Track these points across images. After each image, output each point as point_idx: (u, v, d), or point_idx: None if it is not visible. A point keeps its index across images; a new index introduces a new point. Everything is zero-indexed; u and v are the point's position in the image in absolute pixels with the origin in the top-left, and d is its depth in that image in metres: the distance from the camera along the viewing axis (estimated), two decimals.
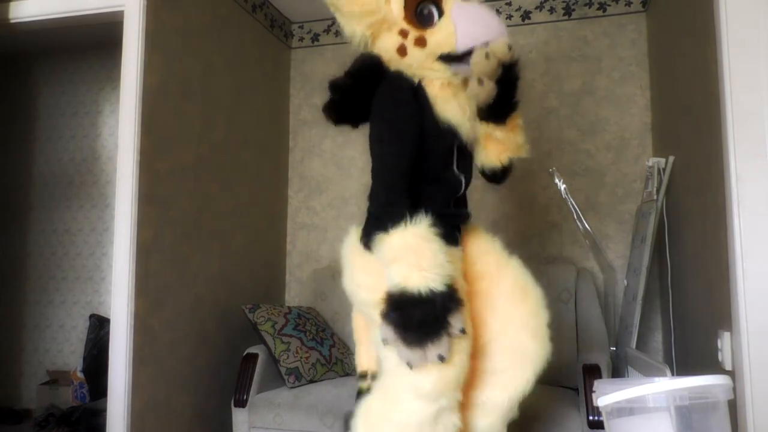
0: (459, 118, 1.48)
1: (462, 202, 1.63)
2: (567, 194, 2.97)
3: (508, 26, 3.17)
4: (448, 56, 1.46)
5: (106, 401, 2.21)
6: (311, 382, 2.51)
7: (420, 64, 1.48)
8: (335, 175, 3.39)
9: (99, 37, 3.64)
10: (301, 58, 3.53)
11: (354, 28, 1.49)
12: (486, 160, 1.63)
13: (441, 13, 1.46)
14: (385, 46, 1.50)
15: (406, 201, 1.38)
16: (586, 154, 3.02)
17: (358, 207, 3.33)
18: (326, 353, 2.62)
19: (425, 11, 1.45)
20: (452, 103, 1.48)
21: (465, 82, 1.52)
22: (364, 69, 1.52)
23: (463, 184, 1.57)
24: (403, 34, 1.47)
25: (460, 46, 1.44)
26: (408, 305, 1.28)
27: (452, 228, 1.52)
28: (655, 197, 2.47)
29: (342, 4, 1.45)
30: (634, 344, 2.40)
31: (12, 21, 2.48)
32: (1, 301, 3.90)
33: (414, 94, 1.47)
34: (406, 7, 1.46)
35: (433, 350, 1.27)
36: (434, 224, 1.34)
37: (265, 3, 3.23)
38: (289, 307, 2.74)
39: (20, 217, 3.93)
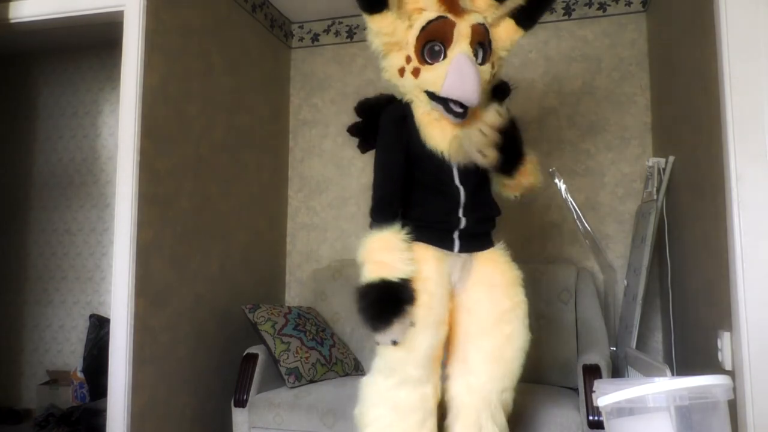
0: (439, 141, 1.64)
1: (473, 208, 1.70)
2: (567, 194, 2.97)
3: None
4: (432, 94, 1.61)
5: (106, 401, 2.21)
6: (311, 382, 2.51)
7: (410, 90, 1.67)
8: (335, 175, 3.39)
9: (99, 37, 3.64)
10: (301, 58, 3.53)
11: (372, 39, 1.68)
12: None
13: (445, 56, 1.60)
14: (391, 63, 1.69)
15: (390, 215, 1.62)
16: (586, 154, 3.02)
17: (358, 207, 3.33)
18: (326, 353, 2.62)
19: (436, 48, 1.60)
20: (434, 128, 1.65)
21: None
22: (368, 107, 1.80)
23: (463, 195, 1.68)
24: (407, 60, 1.64)
25: (443, 93, 1.57)
26: (367, 294, 1.53)
27: (447, 233, 1.68)
28: (655, 197, 2.47)
29: (366, 18, 1.63)
30: (634, 344, 2.40)
31: (12, 21, 2.48)
32: (1, 301, 3.90)
33: (403, 120, 1.67)
34: (417, 40, 1.61)
35: (385, 336, 1.53)
36: (413, 230, 1.60)
37: (265, 3, 3.24)
38: (289, 307, 2.74)
39: (20, 217, 3.93)
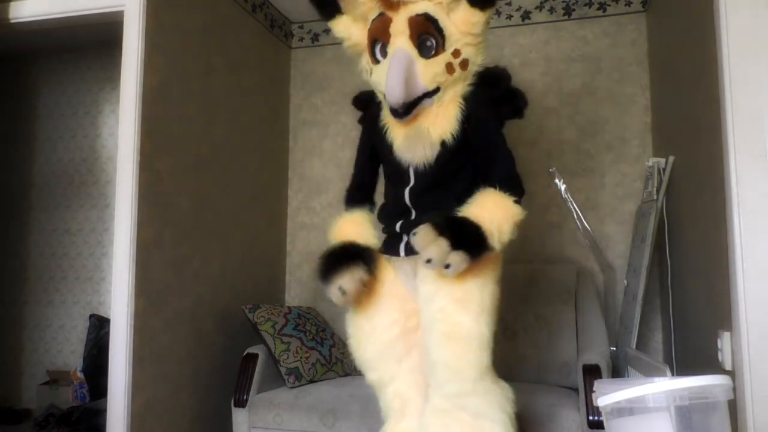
0: (397, 141, 1.59)
1: (421, 211, 1.60)
2: (567, 194, 2.97)
3: (509, 26, 3.18)
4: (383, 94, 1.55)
5: (106, 401, 2.21)
6: (311, 382, 2.51)
7: (374, 88, 1.66)
8: (335, 175, 3.39)
9: (99, 37, 3.64)
10: (301, 58, 3.53)
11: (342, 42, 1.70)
12: None
13: (385, 54, 1.55)
14: (361, 64, 1.68)
15: (350, 203, 1.77)
16: (586, 154, 3.02)
17: None
18: (326, 353, 2.62)
19: (379, 46, 1.57)
20: (393, 128, 1.61)
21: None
22: (363, 100, 1.82)
23: (408, 197, 1.61)
24: (366, 60, 1.63)
25: (387, 96, 1.50)
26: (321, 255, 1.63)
27: (395, 237, 1.65)
28: (655, 197, 2.47)
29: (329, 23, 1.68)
30: (634, 344, 2.40)
31: (12, 21, 2.48)
32: (1, 301, 3.90)
33: (372, 120, 1.68)
34: (367, 40, 1.60)
35: (328, 290, 1.56)
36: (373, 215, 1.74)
37: (265, 3, 3.23)
38: (289, 307, 2.74)
39: (20, 217, 3.93)
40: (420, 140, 1.55)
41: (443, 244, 1.38)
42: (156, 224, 2.34)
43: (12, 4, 2.47)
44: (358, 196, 1.77)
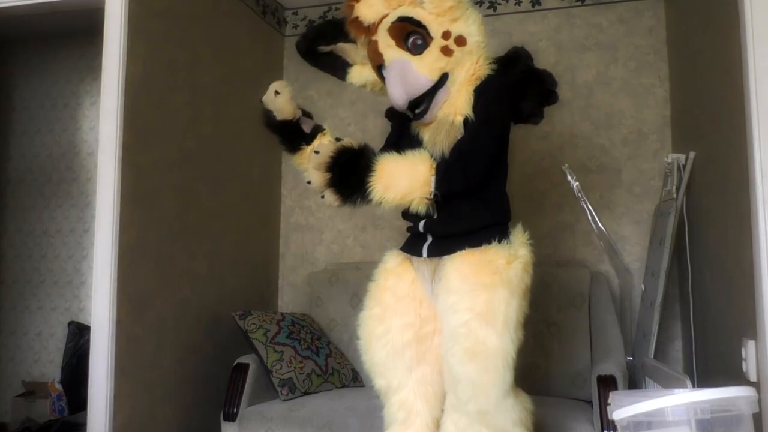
0: (425, 136, 1.67)
1: (440, 211, 1.64)
2: (580, 192, 2.97)
3: (517, 12, 3.18)
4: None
5: (85, 415, 2.21)
6: (306, 393, 2.52)
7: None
8: None
9: (79, 25, 3.63)
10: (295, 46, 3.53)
11: None
12: None
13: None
14: None
15: None
16: (600, 150, 3.02)
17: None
18: (322, 363, 2.63)
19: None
20: (421, 127, 1.72)
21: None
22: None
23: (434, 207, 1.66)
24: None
25: (394, 105, 1.65)
26: None
27: (417, 236, 1.71)
28: (674, 196, 2.48)
29: None
30: (652, 353, 2.41)
31: None
32: None
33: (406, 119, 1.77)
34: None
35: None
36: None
37: None
38: (282, 314, 2.75)
39: None
40: (444, 124, 1.62)
41: (326, 178, 1.52)
42: (139, 224, 2.34)
43: None
44: None
